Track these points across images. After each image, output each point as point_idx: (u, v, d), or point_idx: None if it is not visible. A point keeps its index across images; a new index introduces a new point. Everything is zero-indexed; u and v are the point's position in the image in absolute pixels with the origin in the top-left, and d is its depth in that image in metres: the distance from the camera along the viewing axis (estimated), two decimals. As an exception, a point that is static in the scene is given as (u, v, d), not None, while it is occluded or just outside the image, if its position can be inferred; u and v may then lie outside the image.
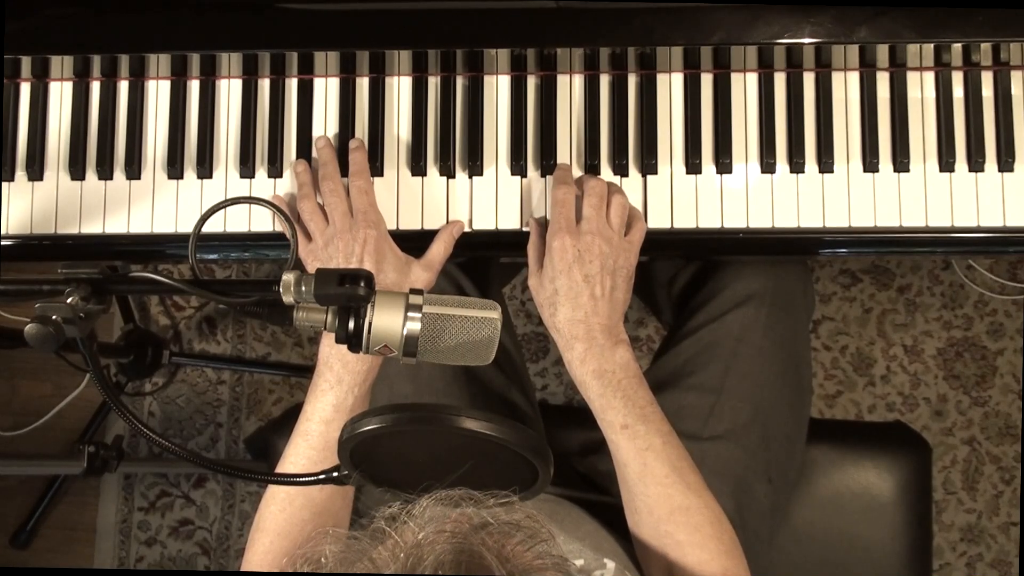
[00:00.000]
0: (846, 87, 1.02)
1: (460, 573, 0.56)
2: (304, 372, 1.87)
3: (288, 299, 0.70)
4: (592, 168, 1.02)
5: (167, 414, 1.89)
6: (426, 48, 1.01)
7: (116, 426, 1.87)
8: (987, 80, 1.01)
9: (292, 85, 1.05)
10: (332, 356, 0.93)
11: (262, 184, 1.04)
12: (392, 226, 1.01)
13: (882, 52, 1.01)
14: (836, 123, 1.02)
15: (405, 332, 0.69)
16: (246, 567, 0.92)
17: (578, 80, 1.03)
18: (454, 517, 0.61)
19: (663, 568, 0.90)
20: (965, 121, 1.01)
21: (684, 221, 1.01)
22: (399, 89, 1.04)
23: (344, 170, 1.01)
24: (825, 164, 1.01)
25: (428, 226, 1.02)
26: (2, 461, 1.71)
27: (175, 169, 1.03)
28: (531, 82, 1.03)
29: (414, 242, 1.00)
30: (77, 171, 1.04)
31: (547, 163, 1.02)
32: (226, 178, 1.04)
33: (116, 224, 1.04)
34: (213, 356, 1.90)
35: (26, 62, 1.03)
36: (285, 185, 1.04)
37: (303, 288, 0.69)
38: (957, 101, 1.01)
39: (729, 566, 0.88)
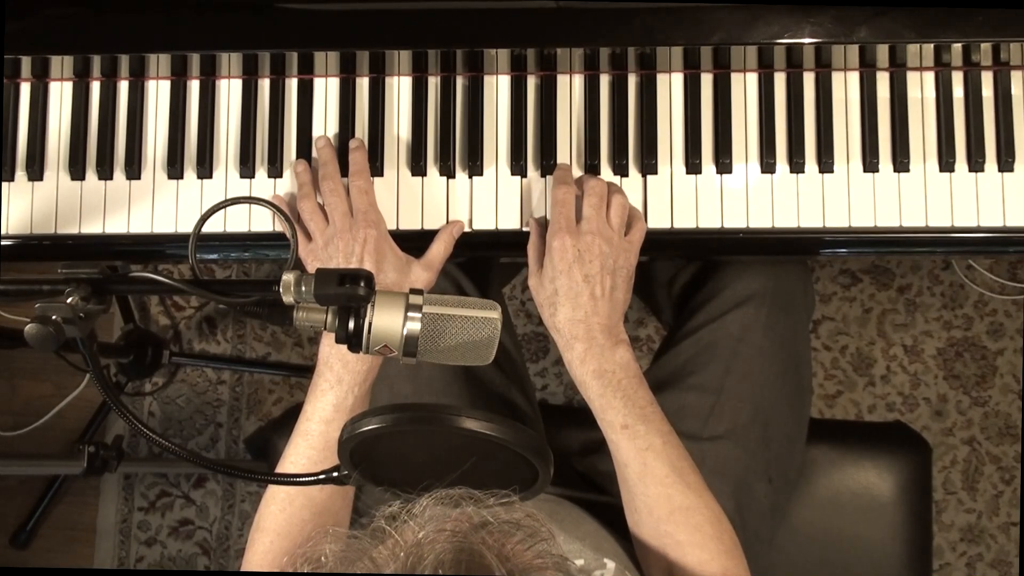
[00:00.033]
0: (846, 87, 1.02)
1: (460, 572, 0.56)
2: (304, 372, 1.87)
3: (288, 299, 0.70)
4: (592, 168, 1.02)
5: (167, 414, 1.89)
6: (426, 48, 1.01)
7: (116, 426, 1.87)
8: (987, 80, 1.01)
9: (292, 85, 1.05)
10: (332, 356, 0.93)
11: (262, 184, 1.04)
12: (392, 226, 1.01)
13: (882, 52, 1.01)
14: (836, 123, 1.02)
15: (405, 332, 0.69)
16: (246, 567, 0.92)
17: (578, 80, 1.03)
18: (454, 516, 0.61)
19: (663, 568, 0.90)
20: (965, 121, 1.01)
21: (684, 221, 1.01)
22: (399, 89, 1.04)
23: (344, 170, 1.01)
24: (825, 164, 1.01)
25: (428, 226, 1.02)
26: (2, 461, 1.72)
27: (175, 169, 1.03)
28: (531, 82, 1.03)
29: (414, 242, 1.00)
30: (77, 171, 1.04)
31: (547, 163, 1.02)
32: (226, 178, 1.04)
33: (116, 224, 1.04)
34: (213, 356, 1.90)
35: (26, 62, 1.03)
36: (285, 185, 1.04)
37: (303, 288, 0.69)
38: (957, 101, 1.01)
39: (729, 566, 0.88)
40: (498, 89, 1.03)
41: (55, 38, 0.99)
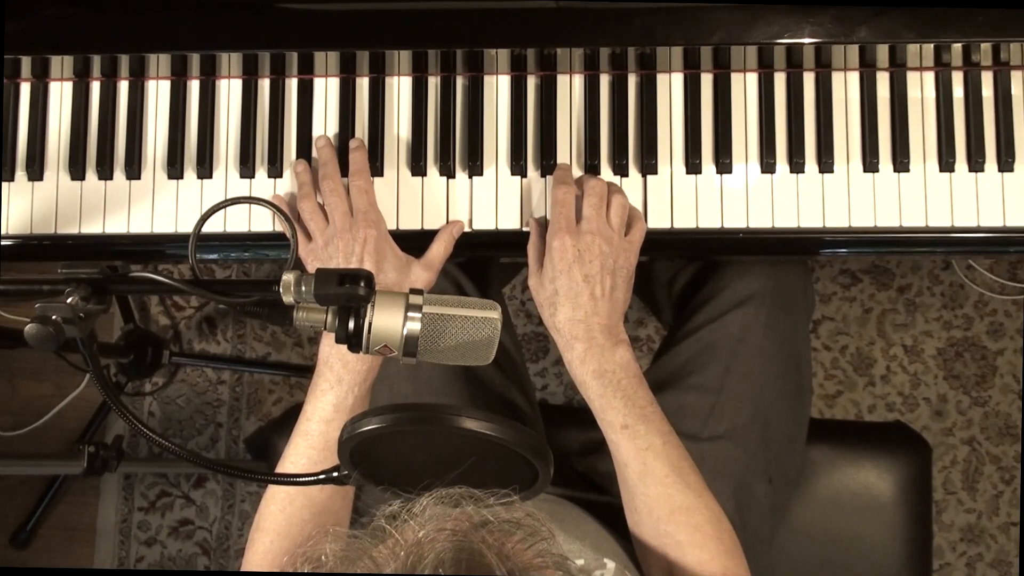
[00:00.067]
0: (846, 87, 1.02)
1: (460, 571, 0.56)
2: (304, 372, 1.87)
3: (288, 299, 0.70)
4: (592, 168, 1.02)
5: (167, 414, 1.89)
6: (426, 48, 1.01)
7: (116, 426, 1.87)
8: (987, 80, 1.01)
9: (292, 85, 1.05)
10: (332, 356, 0.93)
11: (262, 184, 1.04)
12: (392, 226, 1.01)
13: (882, 52, 1.01)
14: (836, 123, 1.02)
15: (405, 332, 0.69)
16: (246, 567, 0.92)
17: (578, 80, 1.03)
18: (454, 515, 0.61)
19: (663, 568, 0.90)
20: (965, 121, 1.01)
21: (684, 221, 1.01)
22: (399, 89, 1.04)
23: (344, 170, 1.01)
24: (825, 164, 1.01)
25: (428, 226, 1.02)
26: (2, 461, 1.72)
27: (175, 169, 1.03)
28: (531, 82, 1.03)
29: (414, 242, 1.00)
30: (77, 171, 1.04)
31: (547, 163, 1.02)
32: (226, 178, 1.04)
33: (116, 224, 1.04)
34: (213, 356, 1.90)
35: (26, 62, 1.03)
36: (285, 185, 1.04)
37: (303, 288, 0.69)
38: (957, 101, 1.01)
39: (729, 566, 0.88)
40: (498, 89, 1.03)
41: (55, 38, 0.99)
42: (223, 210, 1.02)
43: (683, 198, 1.01)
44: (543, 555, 0.61)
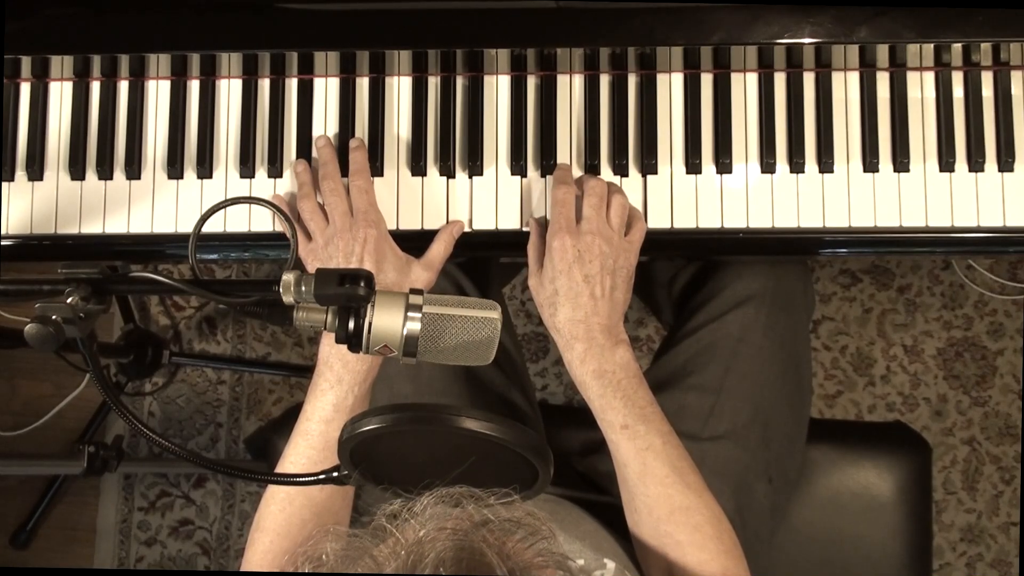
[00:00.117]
0: (846, 87, 1.02)
1: (461, 570, 0.56)
2: (304, 372, 1.87)
3: (288, 299, 0.70)
4: (592, 168, 1.02)
5: (167, 414, 1.89)
6: (426, 48, 1.01)
7: (116, 426, 1.87)
8: (987, 80, 1.01)
9: (292, 85, 1.05)
10: (332, 356, 0.93)
11: (262, 184, 1.04)
12: (392, 226, 1.01)
13: (882, 52, 1.01)
14: (836, 123, 1.02)
15: (405, 332, 0.69)
16: (246, 567, 0.92)
17: (578, 80, 1.03)
18: (455, 514, 0.61)
19: (663, 568, 0.90)
20: (965, 121, 1.01)
21: (684, 221, 1.01)
22: (399, 89, 1.04)
23: (344, 170, 1.01)
24: (825, 164, 1.01)
25: (428, 226, 1.02)
26: (2, 461, 1.71)
27: (175, 169, 1.03)
28: (531, 82, 1.03)
29: (414, 242, 1.00)
30: (77, 171, 1.04)
31: (547, 163, 1.02)
32: (226, 178, 1.04)
33: (116, 224, 1.04)
34: (213, 356, 1.90)
35: (26, 62, 1.03)
36: (285, 185, 1.04)
37: (303, 288, 0.69)
38: (957, 101, 1.01)
39: (729, 566, 0.88)
40: (498, 89, 1.03)
41: (55, 38, 0.99)
42: (223, 210, 1.02)
43: (683, 198, 1.01)
44: (544, 554, 0.61)
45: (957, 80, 1.01)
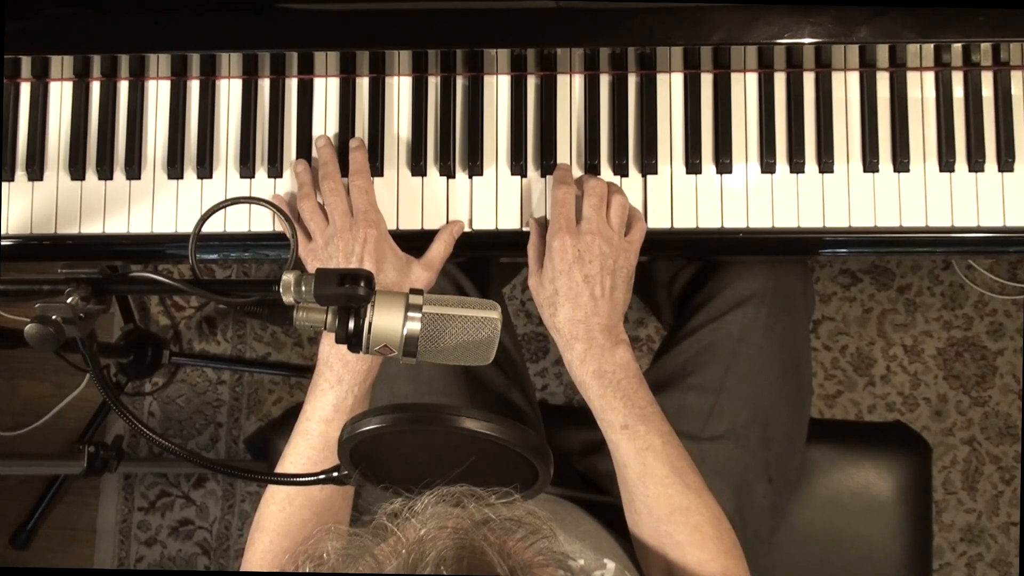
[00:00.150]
0: (846, 87, 1.02)
1: (462, 569, 0.56)
2: (304, 372, 1.87)
3: (288, 299, 0.70)
4: (592, 168, 1.02)
5: (167, 414, 1.89)
6: (426, 48, 1.01)
7: (116, 426, 1.87)
8: (987, 80, 1.01)
9: (292, 85, 1.05)
10: (332, 356, 0.93)
11: (262, 184, 1.04)
12: (392, 226, 1.01)
13: (882, 52, 1.01)
14: (836, 123, 1.02)
15: (405, 332, 0.69)
16: (246, 567, 0.92)
17: (578, 80, 1.03)
18: (456, 513, 0.61)
19: (663, 568, 0.90)
20: (965, 121, 1.01)
21: (684, 221, 1.01)
22: (399, 89, 1.04)
23: (344, 170, 1.01)
24: (825, 164, 1.01)
25: (428, 226, 1.02)
26: (2, 461, 1.71)
27: (175, 169, 1.03)
28: (531, 82, 1.03)
29: (414, 242, 1.00)
30: (77, 171, 1.04)
31: (547, 163, 1.02)
32: (226, 178, 1.04)
33: (116, 224, 1.04)
34: (213, 356, 1.90)
35: (26, 62, 1.03)
36: (285, 185, 1.04)
37: (303, 288, 0.69)
38: (957, 101, 1.01)
39: (729, 566, 0.88)
40: (498, 89, 1.03)
41: (55, 38, 0.99)
42: (223, 210, 1.02)
43: (683, 198, 1.01)
44: (544, 553, 0.61)
45: (957, 80, 1.01)
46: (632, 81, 1.03)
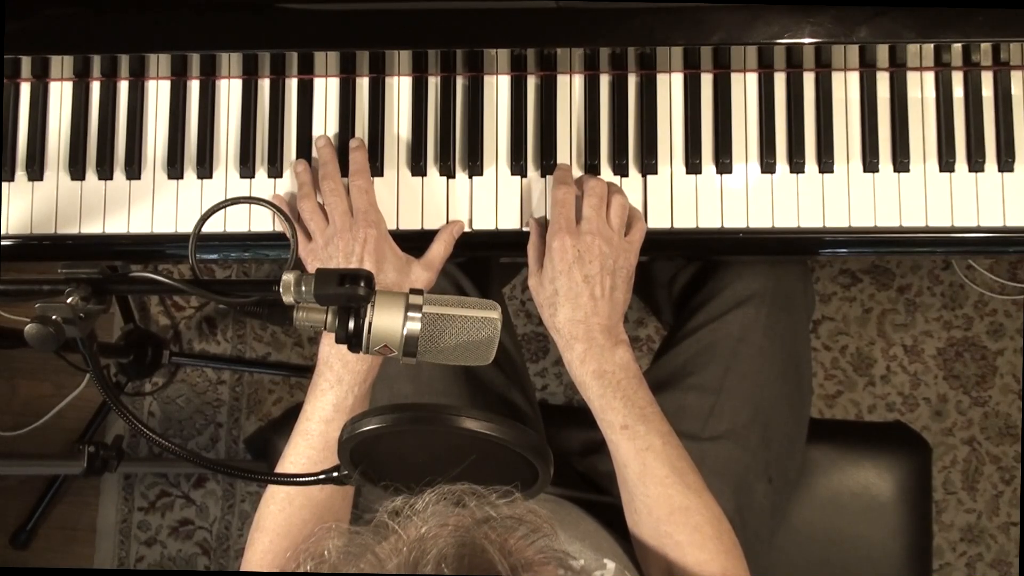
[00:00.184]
0: (846, 87, 1.02)
1: (463, 567, 0.56)
2: (304, 372, 1.87)
3: (288, 299, 0.70)
4: (592, 168, 1.02)
5: (167, 414, 1.89)
6: (426, 48, 1.01)
7: (116, 426, 1.87)
8: (987, 80, 1.01)
9: (292, 85, 1.05)
10: (332, 356, 0.93)
11: (262, 184, 1.04)
12: (392, 226, 1.01)
13: (882, 52, 1.01)
14: (836, 123, 1.02)
15: (405, 332, 0.69)
16: (246, 567, 0.92)
17: (578, 80, 1.03)
18: (457, 512, 0.61)
19: (663, 568, 0.90)
20: (965, 121, 1.01)
21: (684, 221, 1.01)
22: (399, 89, 1.04)
23: (344, 170, 1.01)
24: (825, 164, 1.01)
25: (428, 226, 1.02)
26: (2, 461, 1.72)
27: (175, 169, 1.03)
28: (531, 82, 1.03)
29: (414, 242, 1.00)
30: (77, 171, 1.04)
31: (547, 163, 1.02)
32: (226, 178, 1.04)
33: (116, 224, 1.04)
34: (213, 356, 1.90)
35: (26, 62, 1.03)
36: (285, 185, 1.04)
37: (303, 288, 0.69)
38: (957, 101, 1.01)
39: (729, 566, 0.88)
40: (498, 89, 1.03)
41: (55, 38, 0.99)
42: (223, 210, 1.02)
43: (683, 198, 1.01)
44: (545, 551, 0.61)
45: (957, 80, 1.01)
46: (632, 81, 1.03)
